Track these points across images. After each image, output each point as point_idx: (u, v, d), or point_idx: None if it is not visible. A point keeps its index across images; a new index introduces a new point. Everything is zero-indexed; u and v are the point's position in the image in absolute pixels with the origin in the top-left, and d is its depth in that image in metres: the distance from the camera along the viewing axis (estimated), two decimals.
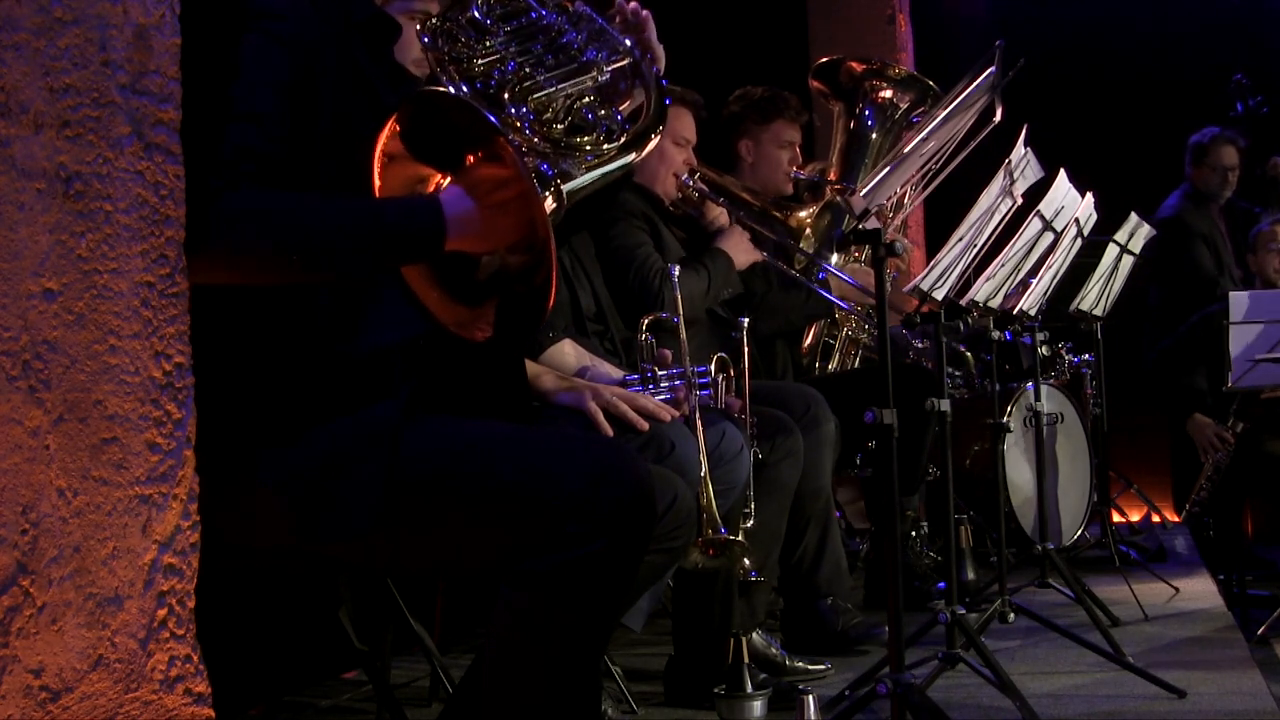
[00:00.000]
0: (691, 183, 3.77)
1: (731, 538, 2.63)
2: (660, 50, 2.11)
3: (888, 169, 2.79)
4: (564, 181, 1.80)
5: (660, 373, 2.76)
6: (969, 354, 4.16)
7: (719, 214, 3.87)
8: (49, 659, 1.40)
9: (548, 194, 1.75)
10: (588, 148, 1.90)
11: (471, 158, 1.77)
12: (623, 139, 1.94)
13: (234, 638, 2.58)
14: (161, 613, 1.53)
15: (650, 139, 1.99)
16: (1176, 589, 4.47)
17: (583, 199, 1.93)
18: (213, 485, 1.63)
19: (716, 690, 2.81)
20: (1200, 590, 4.53)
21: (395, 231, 1.77)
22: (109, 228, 1.50)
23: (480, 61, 1.89)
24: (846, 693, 2.92)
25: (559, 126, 1.90)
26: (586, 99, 1.96)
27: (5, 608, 1.36)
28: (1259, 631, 3.97)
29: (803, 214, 3.90)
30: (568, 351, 2.88)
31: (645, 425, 2.50)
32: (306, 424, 1.82)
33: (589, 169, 1.88)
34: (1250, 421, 5.28)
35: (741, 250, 3.79)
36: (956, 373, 4.05)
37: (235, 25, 1.82)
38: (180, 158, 1.60)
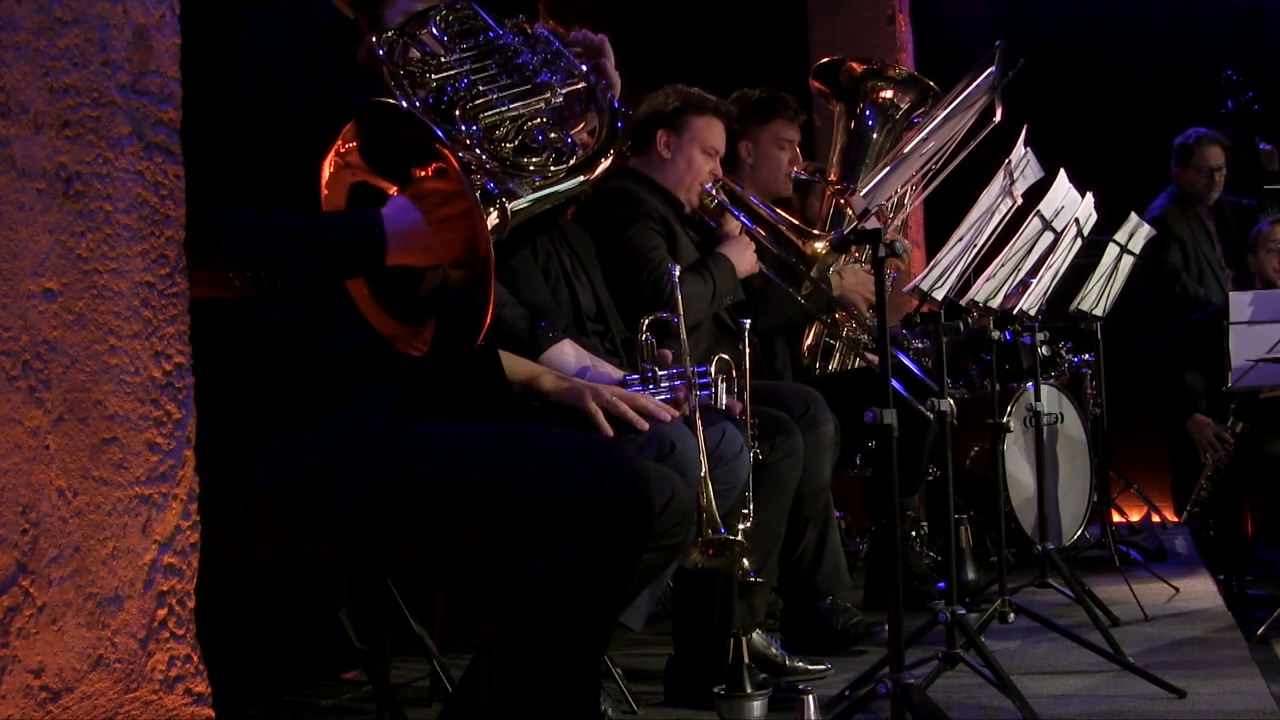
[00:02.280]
0: (714, 191, 3.77)
1: (731, 538, 2.64)
2: (616, 77, 2.12)
3: (888, 169, 2.79)
4: (509, 200, 1.80)
5: (661, 373, 2.76)
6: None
7: (735, 227, 3.87)
8: (49, 659, 1.40)
9: (491, 210, 1.76)
10: (538, 169, 1.90)
11: (419, 171, 1.77)
12: (572, 161, 1.95)
13: (234, 638, 2.58)
14: (161, 613, 1.53)
15: (599, 164, 2.00)
16: (1176, 589, 4.47)
17: (543, 214, 1.94)
18: (209, 487, 1.62)
19: (716, 690, 2.81)
20: (1200, 590, 4.53)
21: (336, 246, 1.77)
22: (109, 228, 1.50)
23: (434, 76, 1.90)
24: (846, 693, 2.92)
25: (509, 146, 1.91)
26: (538, 120, 1.96)
27: (5, 608, 1.36)
28: (1259, 631, 3.97)
29: (819, 245, 3.89)
30: (568, 352, 2.88)
31: (645, 425, 2.50)
32: (301, 424, 1.82)
33: (536, 189, 1.89)
34: (1250, 421, 5.28)
35: (745, 259, 3.79)
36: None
37: (218, 34, 1.83)
38: (180, 158, 1.60)
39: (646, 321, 2.91)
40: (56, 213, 1.44)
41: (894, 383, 3.90)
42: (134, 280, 1.53)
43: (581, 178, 1.95)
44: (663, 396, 2.71)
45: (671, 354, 2.81)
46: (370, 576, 2.78)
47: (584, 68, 2.06)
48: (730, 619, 2.97)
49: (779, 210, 4.03)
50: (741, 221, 3.83)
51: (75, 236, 1.46)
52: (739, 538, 2.69)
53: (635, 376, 2.81)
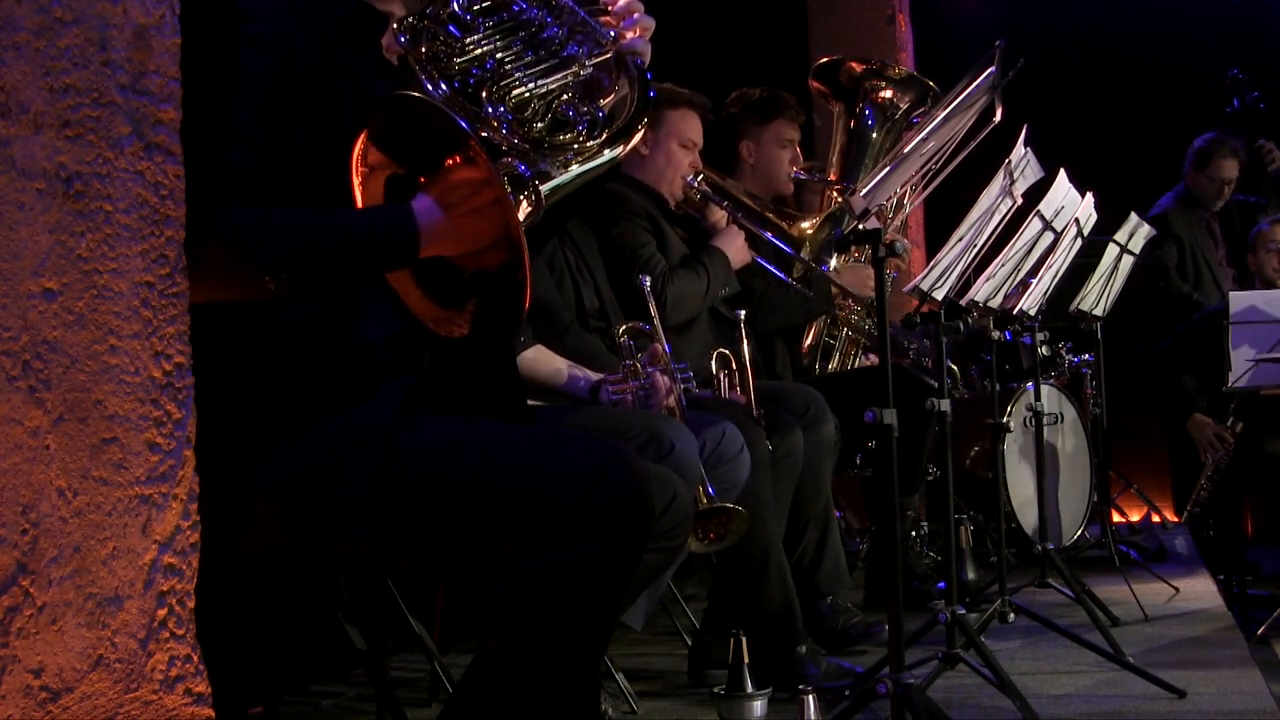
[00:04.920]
0: (696, 184, 3.78)
1: (729, 505, 2.62)
2: (645, 44, 2.09)
3: (888, 169, 2.79)
4: (542, 182, 1.79)
5: (642, 368, 2.80)
6: (955, 367, 4.20)
7: (721, 217, 3.88)
8: (49, 659, 1.40)
9: (522, 197, 1.75)
10: (570, 145, 1.89)
11: (448, 160, 1.76)
12: (605, 134, 1.93)
13: (234, 638, 2.58)
14: (161, 613, 1.53)
15: (635, 133, 1.97)
16: (1176, 589, 4.47)
17: (578, 192, 1.93)
18: (208, 488, 1.62)
19: (716, 690, 2.81)
20: (1200, 590, 4.53)
21: (368, 244, 1.77)
22: (109, 228, 1.49)
23: (459, 61, 1.88)
24: (846, 693, 2.92)
25: (539, 125, 1.89)
26: (566, 95, 1.94)
27: (5, 608, 1.36)
28: (1259, 631, 3.97)
29: (805, 224, 3.90)
30: (540, 358, 2.91)
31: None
32: (302, 423, 1.82)
33: (571, 166, 1.87)
34: (1250, 421, 5.28)
35: (737, 249, 3.80)
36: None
37: (218, 30, 1.82)
38: (180, 158, 1.60)
39: (622, 328, 2.94)
40: (56, 213, 1.44)
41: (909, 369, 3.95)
42: (134, 280, 1.52)
43: (619, 149, 1.94)
44: (645, 393, 2.75)
45: (662, 347, 2.84)
46: (370, 576, 2.78)
47: (611, 35, 2.04)
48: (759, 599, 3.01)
49: (765, 199, 4.05)
50: (726, 210, 3.84)
51: (75, 236, 1.46)
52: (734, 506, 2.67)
53: (617, 374, 2.84)
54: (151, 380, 1.54)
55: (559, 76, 1.93)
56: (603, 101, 2.00)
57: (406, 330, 1.87)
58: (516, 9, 1.96)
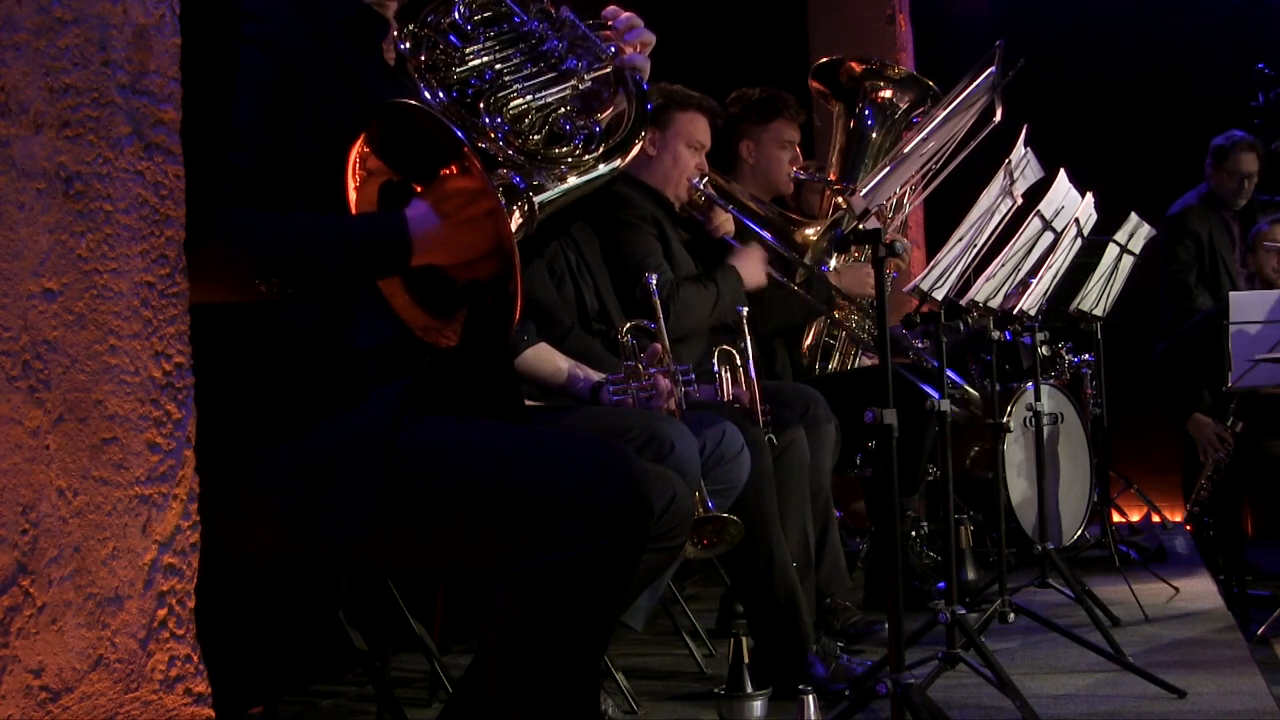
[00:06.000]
0: (700, 186, 3.78)
1: (724, 515, 2.63)
2: (645, 60, 2.10)
3: (888, 169, 2.79)
4: (536, 194, 1.79)
5: (644, 369, 2.80)
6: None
7: (724, 220, 3.87)
8: (49, 659, 1.40)
9: (515, 209, 1.75)
10: (566, 158, 1.89)
11: (444, 169, 1.76)
12: (601, 148, 1.93)
13: (234, 638, 2.58)
14: (161, 613, 1.53)
15: (631, 147, 1.98)
16: (1176, 589, 4.47)
17: (580, 200, 1.93)
18: (208, 488, 1.62)
19: (716, 690, 2.81)
20: (1200, 590, 4.53)
21: (361, 249, 1.77)
22: (109, 228, 1.50)
23: (458, 70, 1.88)
24: (846, 693, 2.92)
25: (536, 137, 1.89)
26: (564, 109, 1.94)
27: (5, 608, 1.36)
28: (1259, 631, 3.97)
29: (809, 231, 3.90)
30: (543, 357, 2.91)
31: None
32: (302, 425, 1.82)
33: (567, 179, 1.87)
34: (1250, 421, 5.28)
35: (754, 270, 3.79)
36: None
37: (219, 30, 1.82)
38: (180, 158, 1.60)
39: (626, 326, 2.94)
40: (56, 213, 1.44)
41: (905, 373, 3.95)
42: (134, 280, 1.53)
43: (616, 163, 1.94)
44: (646, 394, 2.75)
45: (661, 347, 2.85)
46: (370, 576, 2.78)
47: (611, 50, 2.04)
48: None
49: (768, 202, 4.04)
50: (731, 214, 3.83)
51: (75, 236, 1.46)
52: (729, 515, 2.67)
53: (619, 375, 2.84)
54: (151, 380, 1.54)
55: (557, 89, 1.93)
56: (600, 115, 2.00)
57: (398, 338, 1.87)
58: (518, 20, 1.97)
